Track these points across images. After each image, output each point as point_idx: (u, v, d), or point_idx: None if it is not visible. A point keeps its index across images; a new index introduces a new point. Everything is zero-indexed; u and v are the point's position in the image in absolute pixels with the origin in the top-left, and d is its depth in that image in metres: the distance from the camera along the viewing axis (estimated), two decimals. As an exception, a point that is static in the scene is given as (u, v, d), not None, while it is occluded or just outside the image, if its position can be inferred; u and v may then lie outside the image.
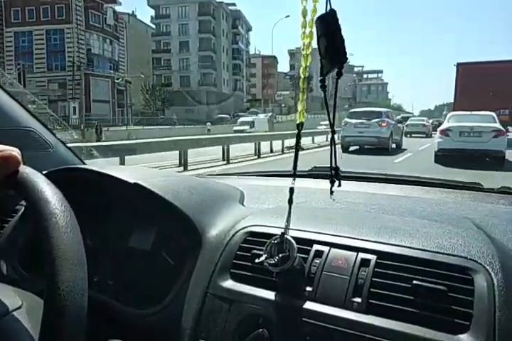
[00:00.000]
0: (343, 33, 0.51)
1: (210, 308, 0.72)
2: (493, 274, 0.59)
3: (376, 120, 13.16)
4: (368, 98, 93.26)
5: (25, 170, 0.57)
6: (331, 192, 0.66)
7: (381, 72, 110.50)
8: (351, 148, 13.18)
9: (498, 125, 9.99)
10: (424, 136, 22.67)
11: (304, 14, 0.55)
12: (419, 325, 0.58)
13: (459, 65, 18.01)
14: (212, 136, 14.40)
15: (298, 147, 0.63)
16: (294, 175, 0.67)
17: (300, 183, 0.93)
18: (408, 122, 22.47)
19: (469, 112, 11.25)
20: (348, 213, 0.89)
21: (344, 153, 11.94)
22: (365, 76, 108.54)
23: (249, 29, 71.34)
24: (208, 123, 33.01)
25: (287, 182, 1.34)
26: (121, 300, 0.84)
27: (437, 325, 0.57)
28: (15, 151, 0.56)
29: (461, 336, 0.55)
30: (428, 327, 0.57)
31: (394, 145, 13.26)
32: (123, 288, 0.88)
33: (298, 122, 0.60)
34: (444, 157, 9.83)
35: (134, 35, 51.67)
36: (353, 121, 13.26)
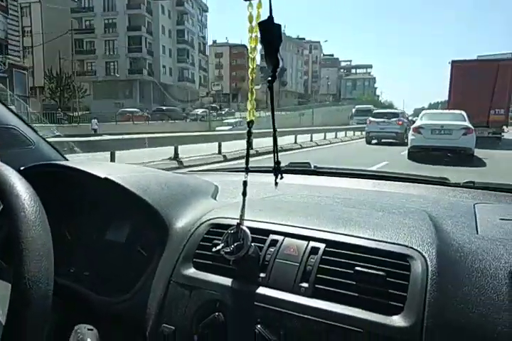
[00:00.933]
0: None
1: (172, 295, 0.77)
2: (428, 261, 0.64)
3: (394, 119, 16.01)
4: (352, 94, 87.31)
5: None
6: (276, 184, 0.71)
7: (370, 66, 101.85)
8: (373, 141, 16.49)
9: (467, 123, 10.40)
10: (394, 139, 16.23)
11: (250, 20, 0.59)
12: (360, 308, 0.63)
13: (453, 63, 17.47)
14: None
15: (249, 144, 0.67)
16: (247, 170, 0.71)
17: (272, 178, 0.97)
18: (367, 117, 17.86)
19: (441, 111, 12.66)
20: (310, 206, 0.94)
21: (368, 145, 15.54)
22: (353, 71, 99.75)
23: (203, 9, 57.82)
24: (94, 120, 23.45)
25: (263, 177, 1.39)
26: (95, 290, 0.89)
27: (376, 307, 0.62)
28: None
29: (395, 317, 0.60)
30: (368, 310, 0.62)
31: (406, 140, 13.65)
32: (98, 278, 0.93)
33: (248, 120, 0.65)
34: (417, 153, 10.18)
35: (50, 11, 39.56)
36: (376, 119, 16.34)
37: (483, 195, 1.09)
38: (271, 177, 0.78)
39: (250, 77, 0.62)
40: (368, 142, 16.77)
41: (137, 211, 0.94)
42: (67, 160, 1.40)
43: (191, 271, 0.78)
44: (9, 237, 0.96)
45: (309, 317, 0.64)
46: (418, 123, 10.94)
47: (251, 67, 0.62)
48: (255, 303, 0.68)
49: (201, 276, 0.76)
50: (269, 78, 0.59)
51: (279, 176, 0.70)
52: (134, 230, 0.97)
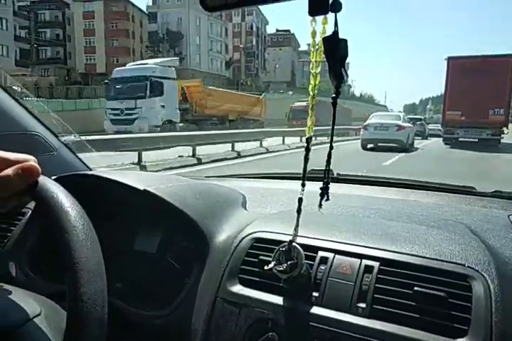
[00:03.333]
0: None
1: (220, 312, 0.75)
2: (489, 281, 0.63)
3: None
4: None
5: (45, 180, 0.58)
6: (326, 199, 0.69)
7: None
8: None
9: (400, 122, 14.04)
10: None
11: (313, 35, 0.58)
12: (420, 330, 0.61)
13: (449, 59, 16.86)
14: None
15: (306, 160, 0.65)
16: (303, 184, 0.70)
17: (298, 186, 0.96)
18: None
19: (385, 113, 16.79)
20: (349, 219, 0.93)
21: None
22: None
23: None
24: None
25: (286, 184, 1.37)
26: (128, 302, 0.87)
27: (437, 329, 0.61)
28: (34, 161, 0.58)
29: (461, 339, 0.59)
30: (428, 332, 0.61)
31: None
32: (130, 290, 0.91)
33: (307, 136, 0.63)
34: (367, 144, 14.25)
35: None
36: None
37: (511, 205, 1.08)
38: (296, 183, 0.75)
39: (311, 93, 0.61)
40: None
41: (171, 222, 0.93)
42: (87, 165, 1.38)
43: (238, 288, 0.76)
44: (44, 248, 0.95)
45: (368, 338, 0.63)
46: (366, 122, 14.48)
47: (312, 83, 0.60)
48: (310, 323, 0.67)
49: (249, 293, 0.74)
50: (333, 95, 0.57)
51: (325, 197, 0.68)
52: (165, 241, 0.95)
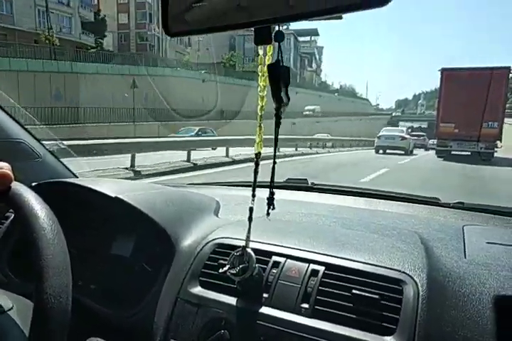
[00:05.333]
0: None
1: (179, 312, 0.81)
2: (419, 285, 0.69)
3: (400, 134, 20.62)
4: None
5: (16, 186, 0.65)
6: (273, 208, 0.75)
7: (315, 33, 67.69)
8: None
9: (403, 134, 19.64)
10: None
11: (260, 62, 0.65)
12: (356, 329, 0.68)
13: (443, 71, 16.69)
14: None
15: (256, 173, 0.72)
16: (254, 195, 0.76)
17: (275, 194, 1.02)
18: (380, 133, 19.99)
19: (392, 128, 22.82)
20: (309, 226, 0.99)
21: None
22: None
23: None
24: None
25: (263, 193, 1.43)
26: (102, 303, 0.93)
27: (370, 328, 0.67)
28: (7, 169, 0.64)
29: (388, 338, 0.65)
30: (363, 330, 0.67)
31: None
32: (104, 291, 0.97)
33: (256, 152, 0.70)
34: (379, 150, 19.08)
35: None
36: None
37: (471, 216, 1.15)
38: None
39: (259, 113, 0.68)
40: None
41: (143, 228, 0.99)
42: (73, 172, 1.44)
43: (198, 289, 0.82)
44: (22, 251, 1.00)
45: (309, 336, 0.69)
46: (379, 134, 19.71)
47: (260, 104, 0.67)
48: (259, 322, 0.73)
49: (207, 295, 0.80)
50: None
51: (271, 207, 0.75)
52: (138, 246, 1.01)
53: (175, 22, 0.68)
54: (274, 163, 0.70)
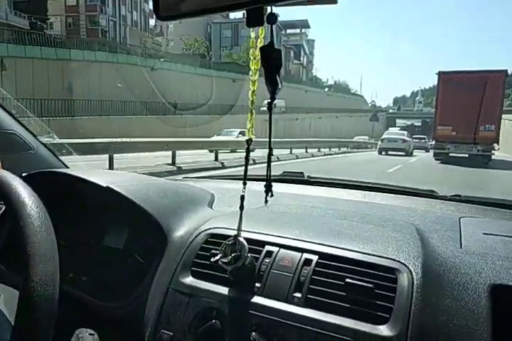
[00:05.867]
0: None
1: (171, 302, 0.80)
2: (414, 274, 0.68)
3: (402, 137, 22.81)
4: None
5: (3, 173, 0.64)
6: (271, 195, 0.75)
7: (306, 24, 63.39)
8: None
9: (404, 137, 22.12)
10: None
11: (252, 44, 0.64)
12: (350, 318, 0.66)
13: (440, 74, 16.82)
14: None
15: (247, 160, 0.71)
16: (245, 182, 0.75)
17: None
18: (383, 136, 22.64)
19: (393, 131, 25.64)
20: (304, 217, 0.98)
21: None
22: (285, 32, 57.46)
23: None
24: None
25: (258, 185, 1.43)
26: (93, 295, 0.91)
27: (364, 317, 0.66)
28: None
29: (382, 327, 0.64)
30: (357, 319, 0.66)
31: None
32: (96, 283, 0.95)
33: (247, 138, 0.69)
34: (382, 151, 21.52)
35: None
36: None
37: (468, 209, 1.14)
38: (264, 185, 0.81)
39: (250, 98, 0.67)
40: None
41: (136, 219, 0.97)
42: (66, 165, 1.43)
43: (189, 280, 0.81)
44: (13, 243, 0.99)
45: (301, 325, 0.67)
46: (382, 137, 22.35)
47: (251, 89, 0.66)
48: (251, 312, 0.71)
49: (199, 285, 0.79)
50: (269, 100, 0.63)
51: (270, 194, 0.74)
52: (131, 237, 0.99)
53: (166, 5, 0.67)
54: (270, 149, 0.69)
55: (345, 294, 0.69)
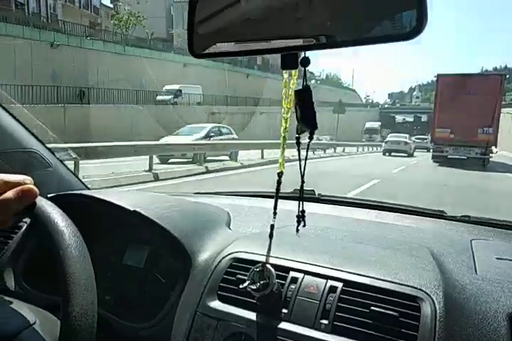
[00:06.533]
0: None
1: (198, 326, 0.82)
2: (436, 303, 0.71)
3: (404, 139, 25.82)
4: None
5: (42, 202, 0.66)
6: (303, 225, 0.78)
7: None
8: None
9: (407, 140, 25.14)
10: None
11: (285, 85, 0.67)
12: None
13: (439, 77, 17.16)
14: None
15: (277, 191, 0.74)
16: (275, 213, 0.78)
17: (281, 205, 1.03)
18: (387, 138, 25.89)
19: (396, 134, 27.48)
20: (322, 241, 1.01)
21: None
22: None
23: None
24: None
25: (270, 203, 1.45)
26: (116, 314, 0.94)
27: None
28: (31, 182, 0.65)
29: None
30: None
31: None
32: (118, 302, 0.98)
33: (278, 171, 0.72)
34: (386, 152, 23.94)
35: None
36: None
37: (478, 230, 1.17)
38: (281, 203, 0.83)
39: (282, 134, 0.70)
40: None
41: (158, 240, 1.00)
42: (82, 181, 1.45)
43: (216, 304, 0.83)
44: (39, 261, 1.01)
45: None
46: (386, 139, 25.57)
47: (284, 126, 0.69)
48: (278, 337, 0.74)
49: (226, 309, 0.82)
50: (308, 140, 0.66)
51: (302, 224, 0.76)
52: (152, 257, 1.02)
53: (200, 44, 0.70)
54: (303, 181, 0.72)
55: (370, 321, 0.72)
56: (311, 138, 0.65)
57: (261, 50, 0.64)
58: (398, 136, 25.84)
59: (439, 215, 1.31)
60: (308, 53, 0.61)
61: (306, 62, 0.62)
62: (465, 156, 16.09)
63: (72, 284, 0.57)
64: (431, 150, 23.97)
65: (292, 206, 1.35)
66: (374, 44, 0.53)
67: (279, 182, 0.74)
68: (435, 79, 17.22)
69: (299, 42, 0.60)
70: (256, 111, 27.58)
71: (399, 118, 70.75)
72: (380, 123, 46.75)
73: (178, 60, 28.37)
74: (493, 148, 16.20)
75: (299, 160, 0.69)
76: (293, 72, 0.66)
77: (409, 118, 71.50)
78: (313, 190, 1.53)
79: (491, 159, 16.30)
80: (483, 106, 15.30)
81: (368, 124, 45.67)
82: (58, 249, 0.60)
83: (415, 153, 24.92)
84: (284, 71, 0.66)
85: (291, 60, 0.63)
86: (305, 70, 0.64)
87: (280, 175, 0.73)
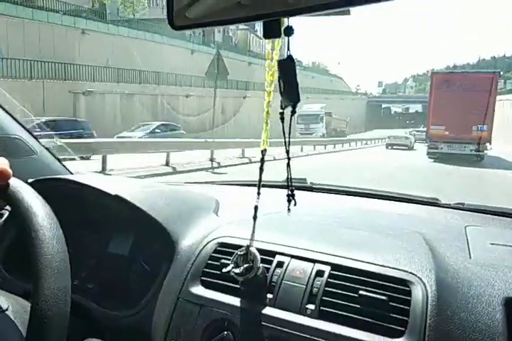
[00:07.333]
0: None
1: (181, 312, 0.79)
2: (428, 286, 0.68)
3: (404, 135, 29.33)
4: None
5: (15, 182, 0.63)
6: (294, 204, 0.75)
7: None
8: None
9: (408, 135, 28.76)
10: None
11: (268, 56, 0.63)
12: (363, 330, 0.66)
13: (433, 74, 17.34)
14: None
15: (261, 171, 0.71)
16: (259, 193, 0.75)
17: (274, 193, 1.01)
18: (390, 134, 29.13)
19: (401, 130, 37.24)
20: (312, 226, 0.98)
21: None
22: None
23: None
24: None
25: (264, 192, 1.44)
26: (99, 303, 0.91)
27: (378, 330, 0.66)
28: (5, 165, 0.62)
29: (397, 339, 0.64)
30: (370, 332, 0.66)
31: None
32: (102, 291, 0.95)
33: (262, 149, 0.69)
34: (388, 146, 26.75)
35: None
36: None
37: (472, 217, 1.15)
38: (271, 191, 0.80)
39: (266, 109, 0.66)
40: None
41: (142, 226, 0.97)
42: (68, 169, 1.42)
43: (199, 289, 0.80)
44: (17, 249, 0.98)
45: (314, 337, 0.67)
46: (389, 135, 28.67)
47: (267, 99, 0.66)
48: (263, 323, 0.71)
49: (209, 295, 0.78)
50: (290, 113, 0.63)
51: (293, 203, 0.73)
52: (136, 244, 0.99)
53: (179, 15, 0.66)
54: (289, 159, 0.69)
55: (359, 306, 0.69)
56: (293, 112, 0.62)
57: (242, 17, 0.60)
58: (399, 132, 30.75)
59: (433, 203, 1.29)
60: (298, 43, 0.57)
61: (289, 31, 0.59)
62: (459, 153, 16.17)
63: (44, 267, 0.54)
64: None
65: (283, 194, 1.32)
66: (360, 5, 0.50)
67: (262, 161, 0.70)
68: (431, 69, 17.34)
69: (281, 7, 0.57)
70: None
71: (393, 109, 69.24)
72: (324, 105, 33.45)
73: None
74: (488, 144, 16.23)
75: (284, 137, 0.66)
76: (276, 41, 0.62)
77: (398, 109, 70.17)
78: (305, 179, 1.50)
79: (486, 152, 16.36)
80: (477, 103, 15.34)
81: (306, 108, 30.14)
82: (31, 230, 0.57)
83: (416, 146, 26.43)
84: (267, 41, 0.63)
85: (274, 28, 0.59)
86: (288, 40, 0.61)
87: (264, 152, 0.69)
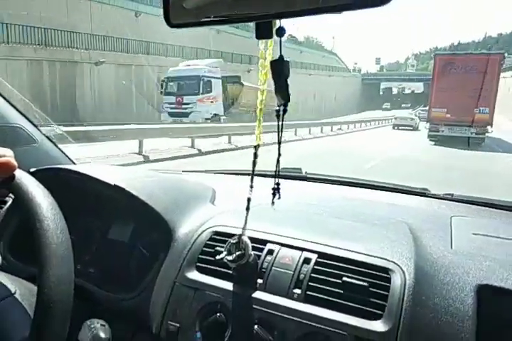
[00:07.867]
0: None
1: (177, 296, 0.85)
2: (407, 274, 0.73)
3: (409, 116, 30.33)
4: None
5: (20, 174, 0.66)
6: (278, 197, 0.79)
7: None
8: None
9: (412, 116, 30.09)
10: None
11: (262, 56, 0.66)
12: (346, 313, 0.72)
13: (436, 56, 17.14)
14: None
15: (254, 165, 0.74)
16: (251, 186, 0.79)
17: (268, 182, 1.04)
18: (396, 115, 30.62)
19: (404, 111, 36.38)
20: (302, 215, 1.03)
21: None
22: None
23: None
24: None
25: (259, 182, 1.47)
26: (101, 286, 0.96)
27: (359, 313, 0.71)
28: (11, 156, 0.64)
29: (375, 322, 0.70)
30: (352, 315, 0.71)
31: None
32: (103, 275, 1.00)
33: (255, 144, 0.72)
34: (395, 126, 27.87)
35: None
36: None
37: (459, 208, 1.19)
38: (264, 181, 0.84)
39: (259, 107, 0.69)
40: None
41: (141, 214, 1.01)
42: (70, 158, 1.44)
43: (195, 275, 0.85)
44: (21, 234, 1.02)
45: (300, 320, 0.73)
46: (395, 116, 30.08)
47: (260, 98, 0.69)
48: (253, 306, 0.77)
49: (204, 280, 0.84)
50: (281, 110, 0.66)
51: (277, 196, 0.77)
52: (136, 231, 1.03)
53: (175, 13, 0.68)
54: (279, 154, 0.72)
55: (342, 291, 0.74)
56: (284, 110, 0.65)
57: (235, 18, 0.63)
58: (404, 113, 32.41)
59: (422, 193, 1.33)
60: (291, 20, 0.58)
61: (281, 32, 0.61)
62: (460, 135, 16.09)
63: (49, 256, 0.58)
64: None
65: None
66: (350, 10, 0.52)
67: (255, 155, 0.74)
68: (434, 47, 17.05)
69: (273, 10, 0.59)
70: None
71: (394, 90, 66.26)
72: (221, 60, 20.55)
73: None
74: (489, 127, 16.11)
75: (278, 131, 0.69)
76: (269, 42, 0.65)
77: (395, 89, 66.75)
78: (300, 169, 1.53)
79: (487, 135, 16.27)
80: (480, 85, 15.13)
81: (182, 66, 18.65)
82: (35, 221, 0.61)
83: (420, 126, 26.34)
84: (260, 41, 0.65)
85: (266, 29, 0.62)
86: (280, 41, 0.63)
87: (257, 148, 0.73)
